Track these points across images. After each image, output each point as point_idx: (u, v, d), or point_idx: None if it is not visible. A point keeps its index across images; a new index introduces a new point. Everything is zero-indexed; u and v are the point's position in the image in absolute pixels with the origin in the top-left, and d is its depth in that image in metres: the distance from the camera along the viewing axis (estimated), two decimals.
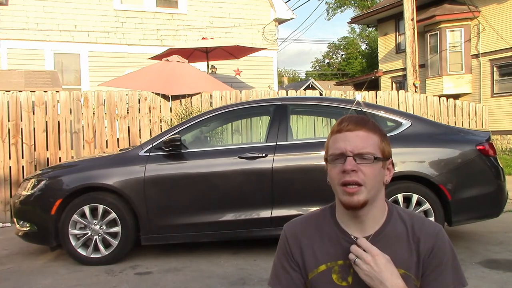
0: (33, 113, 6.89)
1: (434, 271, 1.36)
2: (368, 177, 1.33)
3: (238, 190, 4.51)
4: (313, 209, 4.35)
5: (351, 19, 23.94)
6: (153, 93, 7.47)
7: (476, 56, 16.56)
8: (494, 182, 4.58)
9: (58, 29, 11.54)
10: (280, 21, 14.04)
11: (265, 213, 4.45)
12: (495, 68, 16.12)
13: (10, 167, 6.81)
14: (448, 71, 17.04)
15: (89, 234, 4.41)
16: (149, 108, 7.40)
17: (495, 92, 16.12)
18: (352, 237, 1.40)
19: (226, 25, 13.13)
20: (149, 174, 4.45)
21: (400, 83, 18.97)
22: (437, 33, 17.20)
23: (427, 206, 4.38)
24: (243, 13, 13.38)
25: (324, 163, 1.43)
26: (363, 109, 4.72)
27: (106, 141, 7.26)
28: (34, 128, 6.90)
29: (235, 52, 11.43)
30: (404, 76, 13.95)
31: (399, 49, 19.40)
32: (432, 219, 4.34)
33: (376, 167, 1.35)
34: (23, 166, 6.86)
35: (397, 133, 4.60)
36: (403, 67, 16.51)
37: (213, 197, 4.51)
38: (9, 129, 6.81)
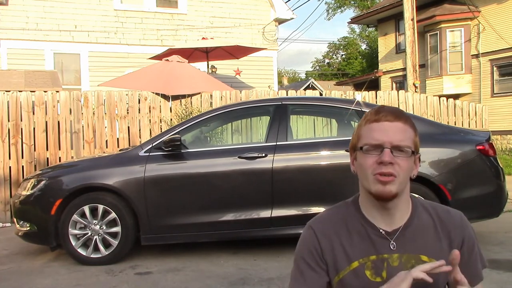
0: (33, 113, 6.89)
1: (470, 259, 1.39)
2: (403, 170, 1.32)
3: (238, 190, 4.51)
4: (313, 209, 4.39)
5: (351, 19, 23.95)
6: (153, 93, 7.47)
7: (476, 56, 16.56)
8: (494, 182, 4.58)
9: (58, 29, 11.54)
10: (280, 21, 14.04)
11: (265, 213, 4.45)
12: (495, 68, 16.12)
13: (10, 167, 6.81)
14: (448, 71, 17.04)
15: (89, 234, 4.41)
16: (149, 108, 7.40)
17: (495, 92, 16.12)
18: (380, 230, 1.37)
19: (226, 25, 13.13)
20: (149, 174, 4.45)
21: (400, 83, 18.96)
22: (437, 33, 17.20)
23: None
24: (243, 13, 13.38)
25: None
26: (363, 109, 4.71)
27: (106, 141, 7.25)
28: (34, 128, 6.89)
29: (235, 52, 11.42)
30: (404, 76, 13.95)
31: (399, 49, 19.40)
32: None
33: (410, 161, 1.35)
34: (23, 166, 6.86)
35: None
36: (403, 67, 16.51)
37: (213, 197, 4.50)
38: (9, 129, 6.80)
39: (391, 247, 1.35)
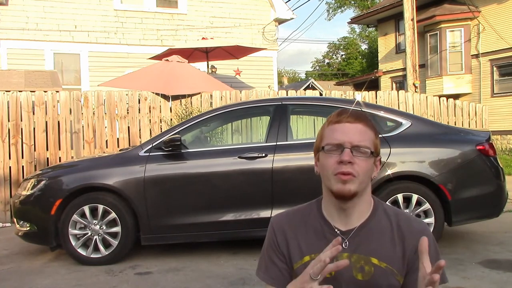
0: (33, 113, 6.89)
1: (418, 269, 1.37)
2: (362, 170, 1.36)
3: (238, 190, 4.51)
4: None
5: (351, 19, 23.95)
6: (153, 93, 7.47)
7: (476, 56, 16.56)
8: (494, 182, 4.58)
9: (58, 29, 11.54)
10: (280, 21, 14.04)
11: (265, 213, 4.45)
12: (495, 68, 16.13)
13: (10, 167, 6.81)
14: (448, 71, 17.04)
15: (89, 234, 4.41)
16: (149, 108, 7.40)
17: (495, 92, 16.12)
18: (335, 229, 1.43)
19: (226, 25, 13.13)
20: (149, 174, 4.45)
21: (400, 83, 18.97)
22: (437, 33, 17.20)
23: (427, 206, 4.37)
24: (243, 13, 13.38)
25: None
26: (363, 109, 4.72)
27: (106, 141, 7.26)
28: (34, 128, 6.90)
29: (235, 52, 11.43)
30: (404, 76, 13.95)
31: (399, 49, 19.40)
32: (432, 219, 4.35)
33: (370, 162, 1.39)
34: (23, 166, 6.86)
35: (397, 133, 4.60)
36: (403, 67, 16.51)
37: (213, 197, 4.51)
38: (9, 129, 6.80)
39: (343, 246, 1.39)
